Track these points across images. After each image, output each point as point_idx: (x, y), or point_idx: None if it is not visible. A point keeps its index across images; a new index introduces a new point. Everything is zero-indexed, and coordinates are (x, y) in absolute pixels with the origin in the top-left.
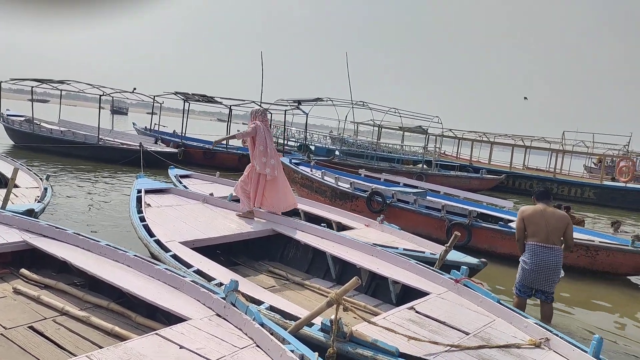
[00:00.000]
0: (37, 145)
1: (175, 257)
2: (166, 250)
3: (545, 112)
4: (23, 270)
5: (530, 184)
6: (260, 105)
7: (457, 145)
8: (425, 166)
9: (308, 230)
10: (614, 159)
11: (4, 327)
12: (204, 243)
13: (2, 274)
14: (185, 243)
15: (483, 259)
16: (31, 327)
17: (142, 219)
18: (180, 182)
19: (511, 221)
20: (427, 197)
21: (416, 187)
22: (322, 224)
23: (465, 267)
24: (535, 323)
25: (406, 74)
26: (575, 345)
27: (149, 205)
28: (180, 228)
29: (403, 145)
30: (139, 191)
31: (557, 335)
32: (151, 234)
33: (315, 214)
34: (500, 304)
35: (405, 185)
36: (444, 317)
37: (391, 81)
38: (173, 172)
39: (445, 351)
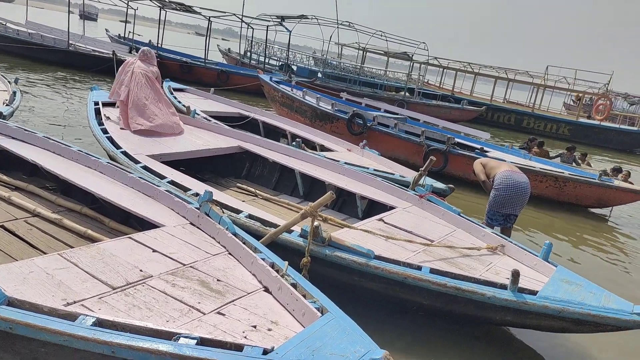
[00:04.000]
0: (2, 46)
1: (146, 168)
2: (135, 162)
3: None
4: None
5: (509, 117)
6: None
7: (441, 75)
8: (407, 94)
9: (275, 148)
10: (593, 97)
11: None
12: (171, 157)
13: None
14: (152, 156)
15: (451, 185)
16: (2, 226)
17: (105, 131)
18: (172, 94)
19: (487, 151)
20: (407, 124)
21: (396, 114)
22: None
23: (430, 184)
24: (492, 232)
25: None
26: (527, 250)
27: (108, 118)
28: (144, 141)
29: (387, 71)
30: (96, 103)
31: (511, 242)
32: (117, 146)
33: (299, 135)
34: (461, 216)
35: (386, 111)
36: (410, 227)
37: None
38: (167, 84)
39: (414, 254)
